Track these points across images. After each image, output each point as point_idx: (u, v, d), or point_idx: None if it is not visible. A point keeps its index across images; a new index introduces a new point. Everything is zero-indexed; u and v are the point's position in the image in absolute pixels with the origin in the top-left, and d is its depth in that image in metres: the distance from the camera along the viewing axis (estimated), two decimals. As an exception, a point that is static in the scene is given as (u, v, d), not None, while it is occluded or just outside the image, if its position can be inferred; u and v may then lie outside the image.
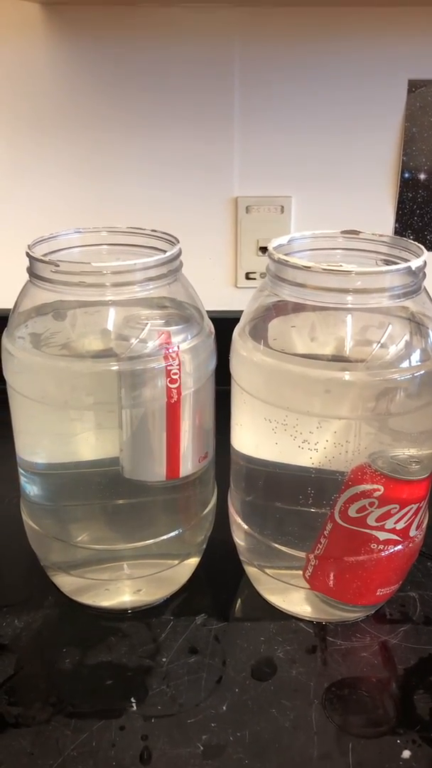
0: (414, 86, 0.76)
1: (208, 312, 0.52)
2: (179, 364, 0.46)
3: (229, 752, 0.43)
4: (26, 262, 0.47)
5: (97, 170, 0.81)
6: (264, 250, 0.81)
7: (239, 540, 0.55)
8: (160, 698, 0.46)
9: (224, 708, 0.46)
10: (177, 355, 0.46)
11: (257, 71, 0.77)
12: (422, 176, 0.79)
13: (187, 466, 0.50)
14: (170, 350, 0.46)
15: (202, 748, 0.43)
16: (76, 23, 0.74)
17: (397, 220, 0.82)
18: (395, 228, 0.82)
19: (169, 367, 0.46)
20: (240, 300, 0.85)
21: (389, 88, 0.77)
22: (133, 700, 0.46)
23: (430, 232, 0.82)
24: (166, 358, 0.46)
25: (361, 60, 0.76)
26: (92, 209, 0.82)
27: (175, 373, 0.46)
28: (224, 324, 0.51)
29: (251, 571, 0.56)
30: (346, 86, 0.77)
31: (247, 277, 0.85)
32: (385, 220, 0.82)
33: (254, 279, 0.84)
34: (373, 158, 0.80)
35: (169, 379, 0.46)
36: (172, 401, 0.47)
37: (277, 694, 0.47)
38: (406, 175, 0.79)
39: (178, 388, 0.47)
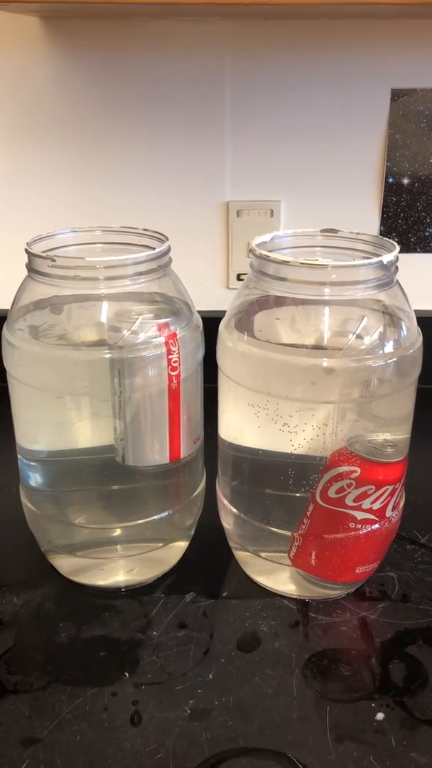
0: (396, 95, 0.80)
1: (201, 312, 0.55)
2: (179, 352, 0.50)
3: (214, 715, 0.46)
4: (23, 264, 0.50)
5: (93, 177, 0.84)
6: (254, 252, 0.85)
7: (227, 524, 0.58)
8: (150, 668, 0.49)
9: (210, 676, 0.49)
10: (177, 343, 0.49)
11: (247, 81, 0.80)
12: (405, 181, 0.83)
13: (186, 446, 0.54)
14: (172, 339, 0.49)
15: (189, 711, 0.46)
16: (73, 36, 0.78)
17: (381, 223, 0.85)
18: (380, 231, 0.86)
19: (170, 356, 0.49)
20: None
21: (373, 98, 0.80)
22: (125, 672, 0.49)
23: (413, 234, 0.85)
24: (167, 345, 0.49)
25: (346, 70, 0.79)
26: (88, 214, 0.85)
27: (176, 361, 0.50)
28: (217, 323, 0.54)
29: (239, 554, 0.59)
30: (332, 95, 0.81)
31: (239, 278, 0.88)
32: (370, 223, 0.85)
33: (245, 280, 0.88)
34: (359, 164, 0.83)
35: (170, 366, 0.50)
36: (174, 387, 0.50)
37: (261, 664, 0.50)
38: (390, 180, 0.83)
39: (178, 375, 0.50)
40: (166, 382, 0.50)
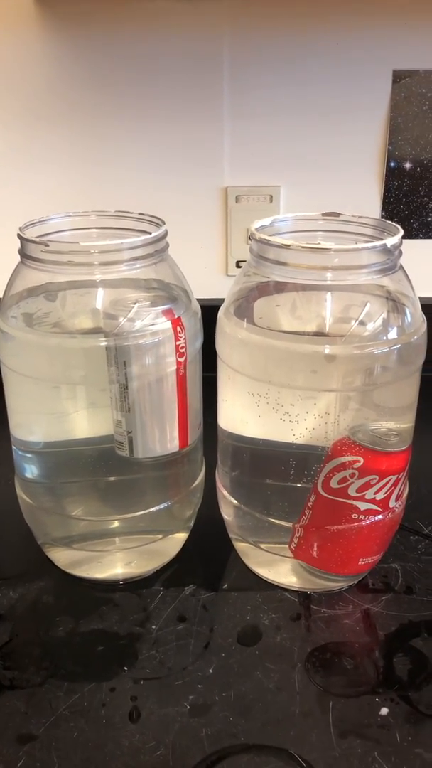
0: (398, 77, 0.78)
1: (199, 300, 0.54)
2: (185, 337, 0.49)
3: (215, 711, 0.45)
4: (16, 250, 0.49)
5: (88, 160, 0.83)
6: (254, 238, 0.83)
7: (227, 515, 0.57)
8: (149, 662, 0.48)
9: (211, 671, 0.48)
10: (184, 327, 0.48)
11: (246, 64, 0.78)
12: (407, 165, 0.81)
13: (192, 434, 0.53)
14: (179, 324, 0.48)
15: (188, 707, 0.45)
16: (68, 16, 0.76)
17: (383, 209, 0.84)
18: (382, 216, 0.84)
19: (178, 341, 0.48)
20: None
21: (374, 80, 0.79)
22: (123, 667, 0.48)
23: (415, 220, 0.84)
24: (174, 330, 0.48)
25: (347, 52, 0.78)
26: (84, 200, 0.84)
27: (183, 347, 0.49)
28: (215, 311, 0.52)
29: (239, 545, 0.58)
30: (332, 78, 0.79)
31: (238, 265, 0.87)
32: (372, 209, 0.84)
33: (244, 267, 0.86)
34: (360, 148, 0.82)
35: (178, 352, 0.49)
36: (181, 373, 0.50)
37: (262, 658, 0.49)
38: (392, 164, 0.81)
39: (185, 361, 0.50)
40: (174, 367, 0.49)
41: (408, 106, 0.79)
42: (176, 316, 0.49)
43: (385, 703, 0.45)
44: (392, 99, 0.79)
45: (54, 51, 0.78)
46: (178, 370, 0.49)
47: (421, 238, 0.85)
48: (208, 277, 0.88)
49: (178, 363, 0.49)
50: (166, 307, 0.49)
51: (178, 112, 0.80)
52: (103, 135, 0.81)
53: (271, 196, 0.83)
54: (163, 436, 0.51)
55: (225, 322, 0.50)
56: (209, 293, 0.67)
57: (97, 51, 0.78)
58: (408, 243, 0.85)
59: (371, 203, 0.84)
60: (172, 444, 0.51)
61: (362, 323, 0.47)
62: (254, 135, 0.82)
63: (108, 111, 0.80)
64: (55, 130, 0.81)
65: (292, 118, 0.81)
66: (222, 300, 0.53)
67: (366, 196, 0.84)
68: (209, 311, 0.53)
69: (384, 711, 0.45)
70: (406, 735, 0.43)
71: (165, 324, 0.48)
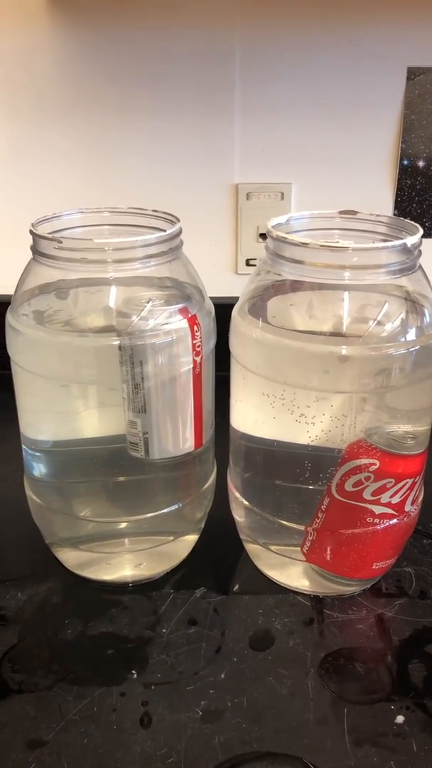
0: (413, 74, 0.77)
1: (209, 298, 0.53)
2: (201, 335, 0.48)
3: (227, 717, 0.44)
4: (27, 246, 0.48)
5: (98, 157, 0.82)
6: (264, 236, 0.82)
7: (239, 516, 0.56)
8: (160, 667, 0.48)
9: (223, 676, 0.47)
10: (200, 326, 0.48)
11: (258, 59, 0.77)
12: (421, 163, 0.80)
13: (206, 433, 0.53)
14: (195, 323, 0.47)
15: (200, 713, 0.44)
16: (77, 10, 0.75)
17: (396, 207, 0.83)
18: (394, 214, 0.83)
19: (194, 340, 0.48)
20: (241, 286, 0.85)
21: (388, 76, 0.78)
22: (134, 671, 0.47)
23: (428, 219, 0.83)
24: (191, 329, 0.47)
25: (361, 47, 0.77)
26: (94, 196, 0.83)
27: (199, 345, 0.48)
28: (226, 310, 0.52)
29: (250, 547, 0.57)
30: (345, 74, 0.78)
31: (248, 263, 0.86)
32: (384, 207, 0.83)
33: (254, 266, 0.85)
34: (373, 146, 0.81)
35: (194, 351, 0.48)
36: (197, 372, 0.49)
37: (275, 664, 0.48)
38: (405, 162, 0.80)
39: (201, 360, 0.49)
40: (190, 366, 0.48)
41: (422, 103, 0.78)
42: (191, 314, 0.48)
43: (401, 710, 0.44)
44: (406, 96, 0.78)
45: (65, 46, 0.77)
46: (194, 369, 0.49)
47: (434, 237, 0.84)
48: (217, 275, 0.87)
49: (195, 362, 0.48)
50: (181, 305, 0.48)
51: (189, 107, 0.79)
52: (113, 131, 0.80)
53: (282, 194, 0.82)
54: (179, 437, 0.50)
55: (239, 321, 0.50)
56: (219, 291, 0.66)
57: (107, 45, 0.77)
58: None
59: (384, 201, 0.83)
60: (188, 444, 0.51)
61: (380, 324, 0.46)
62: (265, 131, 0.81)
63: (119, 106, 0.79)
64: (65, 126, 0.80)
65: (304, 115, 0.80)
66: (232, 298, 0.52)
67: (378, 194, 0.83)
68: (219, 310, 0.52)
69: (400, 719, 0.44)
70: (423, 744, 0.42)
71: (182, 323, 0.47)
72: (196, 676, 0.47)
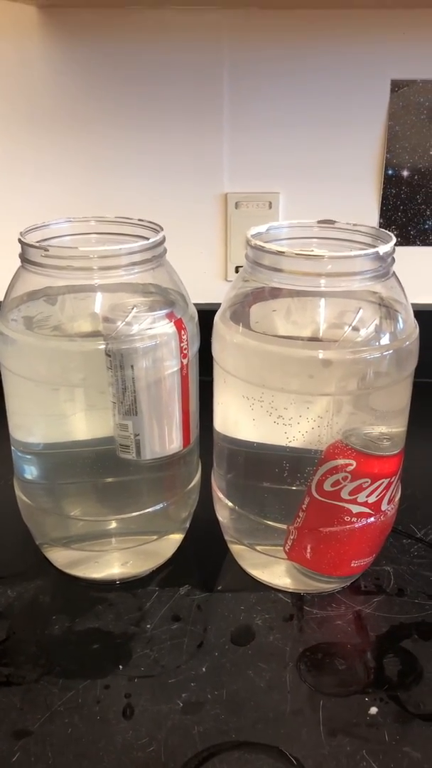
0: (396, 86, 0.79)
1: (199, 305, 0.55)
2: (188, 338, 0.50)
3: (207, 708, 0.46)
4: (16, 254, 0.50)
5: (89, 167, 0.84)
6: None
7: (222, 518, 0.58)
8: (143, 661, 0.49)
9: (204, 670, 0.48)
10: (186, 329, 0.50)
11: (246, 72, 0.79)
12: (405, 173, 0.82)
13: (193, 432, 0.55)
14: (182, 327, 0.49)
15: (181, 704, 0.46)
16: (70, 25, 0.77)
17: (381, 216, 0.85)
18: (380, 223, 0.85)
19: (182, 343, 0.50)
20: (230, 293, 0.88)
21: (373, 89, 0.80)
22: (118, 665, 0.49)
23: (413, 227, 0.85)
24: (178, 332, 0.49)
25: (346, 61, 0.79)
26: (84, 206, 0.85)
27: (186, 348, 0.50)
28: (215, 316, 0.53)
29: (235, 548, 0.58)
30: (331, 87, 0.80)
31: (236, 270, 0.87)
32: (370, 216, 0.85)
33: (244, 273, 0.87)
34: (358, 156, 0.83)
35: (182, 353, 0.50)
36: (184, 374, 0.51)
37: (254, 658, 0.49)
38: (390, 172, 0.82)
39: (188, 361, 0.51)
40: (178, 368, 0.50)
41: (406, 115, 0.80)
42: (177, 318, 0.50)
43: (375, 702, 0.46)
44: (390, 108, 0.80)
45: (56, 61, 0.79)
46: (181, 370, 0.51)
47: (419, 245, 0.86)
48: (208, 282, 0.89)
49: (182, 364, 0.50)
50: (167, 310, 0.50)
51: (179, 120, 0.81)
52: (104, 143, 0.82)
53: (271, 203, 0.84)
54: (169, 437, 0.52)
55: (221, 327, 0.51)
56: (209, 298, 0.68)
57: (98, 61, 0.79)
58: (406, 250, 0.87)
59: (369, 210, 0.85)
60: (177, 444, 0.53)
61: (355, 329, 0.48)
62: (254, 142, 0.83)
63: (110, 120, 0.81)
64: (57, 139, 0.82)
65: (292, 126, 0.82)
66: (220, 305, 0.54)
67: (364, 204, 0.85)
68: (209, 315, 0.54)
69: (373, 710, 0.45)
70: (395, 734, 0.44)
71: (169, 327, 0.49)
72: (178, 669, 0.48)
